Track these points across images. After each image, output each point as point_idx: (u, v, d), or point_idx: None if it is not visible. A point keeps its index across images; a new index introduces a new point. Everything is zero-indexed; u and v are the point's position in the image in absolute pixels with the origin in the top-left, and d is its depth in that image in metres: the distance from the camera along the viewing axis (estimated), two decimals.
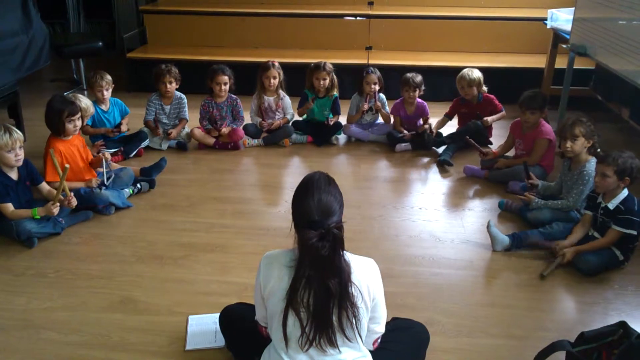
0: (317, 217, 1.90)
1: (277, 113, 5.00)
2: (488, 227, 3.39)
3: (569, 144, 3.51)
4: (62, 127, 3.78)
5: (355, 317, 1.96)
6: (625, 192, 3.16)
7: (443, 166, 4.52)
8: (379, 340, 2.19)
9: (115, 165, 4.17)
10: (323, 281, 1.90)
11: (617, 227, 3.13)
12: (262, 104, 4.97)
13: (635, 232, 3.12)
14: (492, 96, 4.78)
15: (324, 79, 4.90)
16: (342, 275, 1.92)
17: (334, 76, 4.97)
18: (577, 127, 3.48)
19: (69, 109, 3.79)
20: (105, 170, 3.91)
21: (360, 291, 1.97)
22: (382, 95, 5.03)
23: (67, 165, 3.47)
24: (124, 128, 4.69)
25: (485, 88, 4.75)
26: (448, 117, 5.01)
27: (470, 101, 4.78)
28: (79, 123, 3.87)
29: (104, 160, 3.90)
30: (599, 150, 3.49)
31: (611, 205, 3.17)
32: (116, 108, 4.76)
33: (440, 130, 4.96)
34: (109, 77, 4.61)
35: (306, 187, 1.99)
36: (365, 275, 2.02)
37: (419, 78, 4.84)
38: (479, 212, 3.87)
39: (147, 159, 4.65)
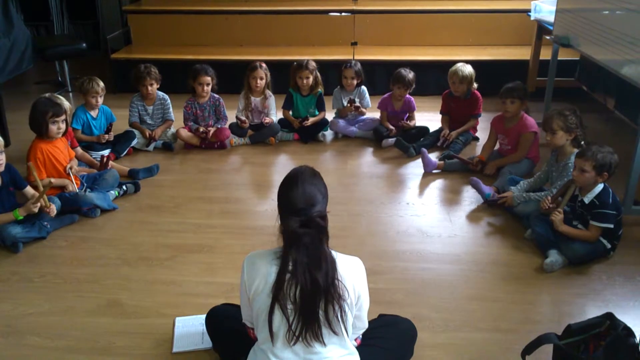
0: (300, 206, 1.93)
1: (263, 113, 4.97)
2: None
3: (549, 137, 3.54)
4: (45, 128, 3.75)
5: (342, 309, 1.95)
6: (600, 186, 3.16)
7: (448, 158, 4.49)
8: (361, 337, 2.20)
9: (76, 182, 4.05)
10: (309, 273, 1.91)
11: (594, 222, 3.14)
12: (249, 105, 4.95)
13: (611, 225, 3.12)
14: (479, 96, 4.76)
15: (307, 78, 4.89)
16: (328, 268, 1.93)
17: (318, 74, 4.96)
18: (555, 122, 3.49)
19: (54, 110, 3.76)
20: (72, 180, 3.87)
21: (346, 288, 1.97)
22: (363, 87, 5.04)
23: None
24: (111, 136, 4.65)
25: (475, 85, 4.74)
26: (444, 113, 4.94)
27: (458, 97, 4.77)
28: (62, 126, 3.83)
29: (70, 171, 3.88)
30: (582, 142, 3.49)
31: (586, 199, 3.17)
32: (104, 116, 4.71)
33: (427, 125, 4.96)
34: (102, 84, 4.57)
35: (291, 179, 2.03)
36: (350, 274, 2.02)
37: (412, 75, 4.82)
38: (466, 206, 3.87)
39: (136, 159, 4.64)
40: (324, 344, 1.98)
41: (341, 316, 1.96)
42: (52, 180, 3.68)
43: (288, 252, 1.94)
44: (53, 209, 3.46)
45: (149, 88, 4.79)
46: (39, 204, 3.39)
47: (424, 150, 4.37)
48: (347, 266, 2.03)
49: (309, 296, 1.92)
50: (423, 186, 4.18)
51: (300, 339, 1.95)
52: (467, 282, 3.06)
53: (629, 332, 2.20)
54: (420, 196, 4.03)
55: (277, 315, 1.95)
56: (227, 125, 4.93)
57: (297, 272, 1.91)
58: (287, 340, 1.97)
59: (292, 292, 1.92)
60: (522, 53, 5.83)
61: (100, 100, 4.61)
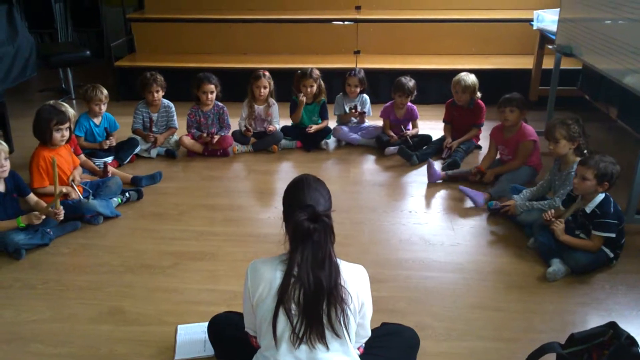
0: (308, 202, 1.98)
1: (266, 121, 4.98)
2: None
3: (551, 146, 3.54)
4: (49, 136, 3.75)
5: (344, 312, 1.96)
6: (601, 196, 3.15)
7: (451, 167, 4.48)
8: (364, 345, 2.20)
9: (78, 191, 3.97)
10: (313, 272, 1.92)
11: (596, 232, 3.14)
12: (252, 113, 4.96)
13: (613, 235, 3.12)
14: (482, 105, 4.75)
15: (311, 86, 4.90)
16: (332, 270, 1.95)
17: (322, 82, 4.97)
18: (558, 130, 3.50)
19: (58, 118, 3.77)
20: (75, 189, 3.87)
21: (349, 293, 1.98)
22: (365, 96, 5.05)
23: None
24: (113, 142, 4.65)
25: (479, 94, 4.74)
26: (447, 122, 4.94)
27: (461, 106, 4.78)
28: (66, 133, 3.84)
29: (73, 183, 3.87)
30: (585, 151, 3.49)
31: (588, 209, 3.17)
32: (107, 123, 4.72)
33: (430, 134, 4.97)
34: (106, 92, 4.59)
35: (297, 182, 2.09)
36: (354, 281, 2.03)
37: (412, 83, 4.83)
38: (468, 214, 3.87)
39: (139, 167, 4.65)
40: (327, 347, 1.98)
41: (344, 320, 1.97)
42: (64, 189, 3.68)
43: (295, 252, 1.95)
44: (62, 213, 3.47)
45: (155, 95, 4.80)
46: (43, 217, 3.40)
47: (431, 161, 4.36)
48: (351, 273, 2.04)
49: (312, 297, 1.93)
50: (425, 194, 4.18)
51: (304, 339, 1.96)
52: (469, 291, 3.05)
53: (632, 342, 2.19)
54: (422, 204, 4.03)
55: (282, 319, 1.96)
56: (230, 134, 4.93)
57: (301, 273, 1.93)
58: (291, 343, 1.97)
59: (297, 294, 1.94)
60: (525, 62, 5.84)
61: (104, 107, 4.62)
